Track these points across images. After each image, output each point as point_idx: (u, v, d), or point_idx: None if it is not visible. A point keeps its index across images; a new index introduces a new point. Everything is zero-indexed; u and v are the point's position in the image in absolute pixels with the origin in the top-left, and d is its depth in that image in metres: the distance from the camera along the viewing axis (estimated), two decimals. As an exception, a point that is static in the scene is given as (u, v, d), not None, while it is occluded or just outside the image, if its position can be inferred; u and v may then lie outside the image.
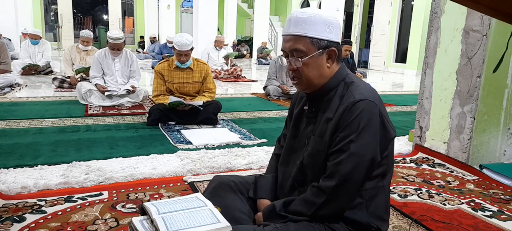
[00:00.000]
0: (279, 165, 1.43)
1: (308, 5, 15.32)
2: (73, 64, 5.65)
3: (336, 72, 1.26)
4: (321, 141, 1.22)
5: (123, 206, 1.77)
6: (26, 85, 5.63)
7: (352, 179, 1.14)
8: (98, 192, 1.92)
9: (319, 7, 13.56)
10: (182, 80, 3.61)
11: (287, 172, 1.36)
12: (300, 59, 1.21)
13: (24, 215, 1.64)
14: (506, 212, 1.88)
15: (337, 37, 1.24)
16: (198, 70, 3.65)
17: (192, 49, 3.54)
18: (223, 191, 1.38)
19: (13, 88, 5.25)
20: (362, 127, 1.13)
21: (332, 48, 1.22)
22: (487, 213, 1.86)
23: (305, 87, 1.28)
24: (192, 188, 2.04)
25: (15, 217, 1.62)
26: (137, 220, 1.17)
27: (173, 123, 3.49)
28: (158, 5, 16.61)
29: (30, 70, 6.81)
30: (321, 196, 1.16)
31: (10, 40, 9.55)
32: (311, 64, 1.22)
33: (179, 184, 2.10)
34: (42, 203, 1.77)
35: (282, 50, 1.28)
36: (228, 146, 2.90)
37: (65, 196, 1.85)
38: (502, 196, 2.09)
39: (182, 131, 3.23)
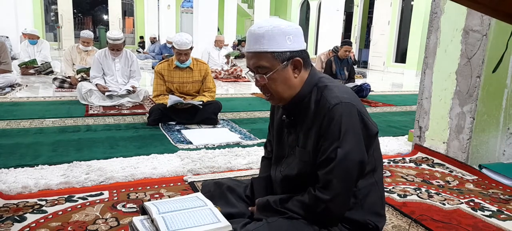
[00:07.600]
0: (272, 168, 1.44)
1: (307, 6, 15.33)
2: (73, 64, 5.65)
3: (306, 79, 1.24)
4: (305, 151, 1.22)
5: (123, 206, 1.78)
6: (26, 86, 5.64)
7: (346, 187, 1.15)
8: (99, 192, 1.92)
9: (319, 8, 13.57)
10: (182, 79, 3.62)
11: (277, 177, 1.37)
12: (265, 75, 1.19)
13: (25, 215, 1.65)
14: (505, 212, 1.89)
15: (300, 44, 1.21)
16: (197, 69, 3.66)
17: (191, 48, 3.55)
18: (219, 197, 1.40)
19: (13, 88, 5.25)
20: (344, 131, 1.12)
21: (296, 58, 1.19)
22: (487, 213, 1.87)
23: (278, 101, 1.27)
24: (193, 187, 2.04)
25: (15, 217, 1.62)
26: (137, 220, 1.18)
27: (173, 122, 3.50)
28: (158, 6, 16.62)
29: (28, 68, 6.78)
30: (319, 206, 1.17)
31: (7, 37, 9.52)
32: (277, 78, 1.19)
33: (179, 183, 2.10)
34: (43, 202, 1.78)
35: (247, 66, 1.26)
36: (228, 145, 2.90)
37: (66, 196, 1.86)
38: (501, 196, 2.10)
39: (183, 131, 3.24)
